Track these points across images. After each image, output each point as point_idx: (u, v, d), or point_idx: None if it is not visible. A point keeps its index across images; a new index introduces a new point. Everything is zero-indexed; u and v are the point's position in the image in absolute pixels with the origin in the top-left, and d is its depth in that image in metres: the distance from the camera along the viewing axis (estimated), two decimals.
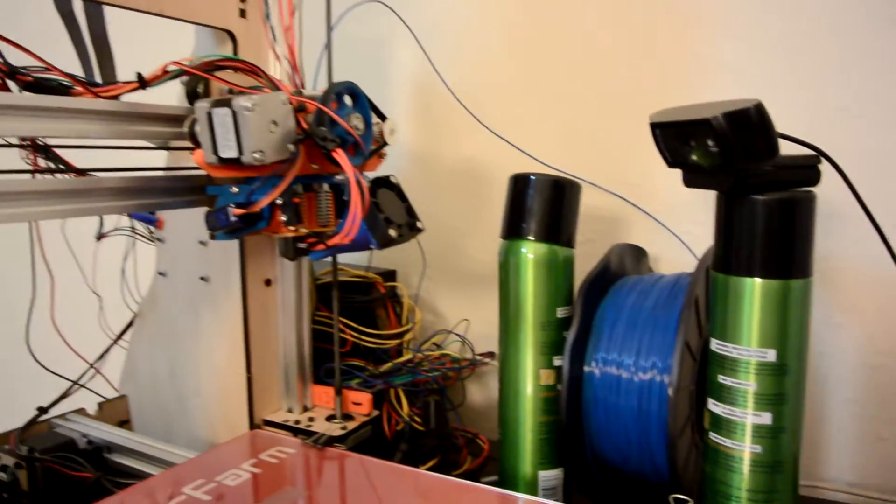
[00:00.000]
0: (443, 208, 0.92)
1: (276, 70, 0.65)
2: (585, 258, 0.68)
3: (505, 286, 0.65)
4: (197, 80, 0.56)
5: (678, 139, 0.51)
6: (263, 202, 0.51)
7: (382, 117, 0.60)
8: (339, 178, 0.57)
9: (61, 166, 0.57)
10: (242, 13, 0.67)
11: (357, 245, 0.53)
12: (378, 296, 0.83)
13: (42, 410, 0.74)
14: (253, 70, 0.52)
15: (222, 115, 0.49)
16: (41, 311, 0.76)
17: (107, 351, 0.80)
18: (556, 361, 0.64)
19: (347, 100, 0.57)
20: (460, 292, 0.91)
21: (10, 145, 0.55)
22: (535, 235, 0.64)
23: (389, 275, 0.87)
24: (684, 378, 0.59)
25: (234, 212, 0.51)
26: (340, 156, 0.50)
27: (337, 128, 0.54)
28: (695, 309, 0.60)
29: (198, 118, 0.50)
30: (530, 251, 0.64)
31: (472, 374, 0.83)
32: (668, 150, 0.53)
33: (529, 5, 0.86)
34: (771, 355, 0.51)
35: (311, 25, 0.68)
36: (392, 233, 0.53)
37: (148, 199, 0.57)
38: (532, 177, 0.64)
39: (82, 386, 0.79)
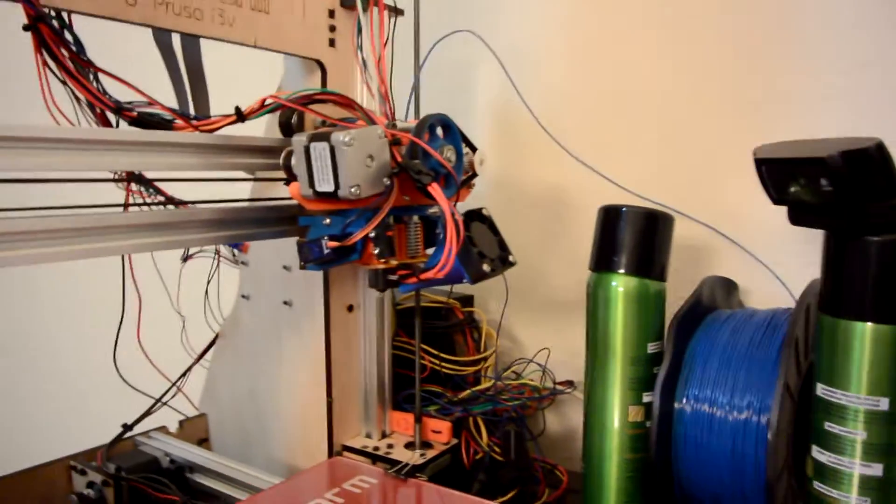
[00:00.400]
0: (523, 234, 0.91)
1: (367, 100, 0.66)
2: (670, 289, 0.66)
3: (593, 319, 0.64)
4: (291, 111, 0.56)
5: (785, 176, 0.49)
6: (358, 236, 0.51)
7: (473, 148, 0.60)
8: (431, 210, 0.57)
9: (160, 198, 0.58)
10: (332, 43, 0.67)
11: (449, 279, 0.52)
12: (456, 321, 0.82)
13: (127, 428, 0.75)
14: (349, 104, 0.52)
15: (320, 150, 0.49)
16: (128, 330, 0.78)
17: (189, 370, 0.82)
18: (646, 398, 0.63)
19: (439, 131, 0.57)
20: (539, 319, 0.90)
21: (111, 180, 0.56)
22: (626, 269, 0.62)
23: (467, 300, 0.86)
24: (784, 421, 0.56)
25: (328, 244, 0.51)
26: (436, 190, 0.50)
27: (430, 160, 0.53)
28: (794, 349, 0.58)
29: (295, 151, 0.50)
30: (621, 285, 0.62)
31: (551, 403, 0.82)
32: (774, 187, 0.51)
33: (618, 32, 0.84)
34: (883, 404, 0.49)
35: (397, 54, 0.68)
36: (485, 267, 0.52)
37: (240, 230, 0.57)
38: (624, 209, 0.63)
39: (165, 404, 0.80)
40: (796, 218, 0.51)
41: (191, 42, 0.62)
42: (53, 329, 1.82)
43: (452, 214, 0.49)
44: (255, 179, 0.63)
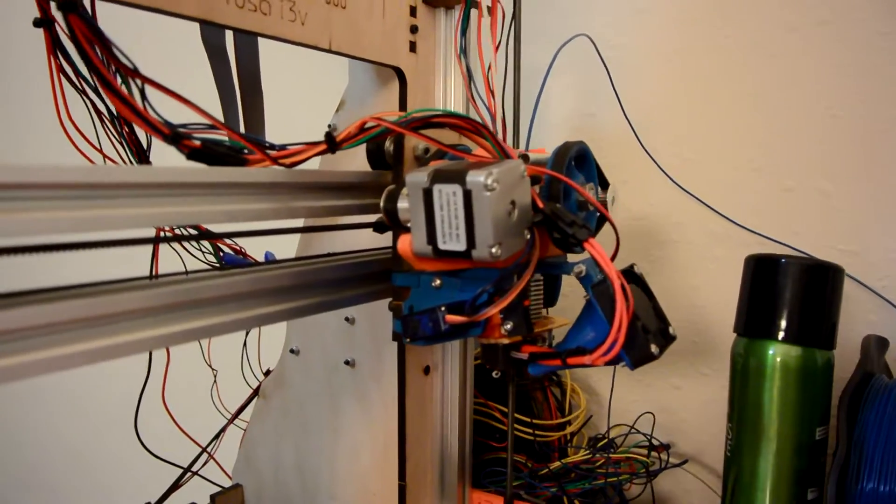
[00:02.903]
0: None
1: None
2: None
3: (741, 396, 0.52)
4: (383, 136, 0.43)
5: None
6: (494, 310, 0.38)
7: (605, 184, 0.47)
8: (578, 269, 0.44)
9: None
10: (413, 46, 0.54)
11: (606, 363, 0.39)
12: (535, 378, 0.70)
13: None
14: (476, 129, 0.39)
15: (448, 195, 0.36)
16: (152, 391, 0.64)
17: (221, 432, 0.69)
18: (811, 494, 0.50)
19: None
20: (626, 372, 0.77)
21: (149, 241, 0.42)
22: (787, 335, 0.50)
23: None
24: None
25: (449, 319, 0.38)
26: (595, 248, 0.37)
27: (572, 204, 0.41)
28: None
29: (410, 194, 0.37)
30: (780, 354, 0.50)
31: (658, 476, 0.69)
32: None
33: (743, 52, 0.72)
34: None
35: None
36: (654, 349, 0.39)
37: (318, 297, 0.44)
38: (783, 260, 0.51)
39: (195, 473, 0.67)
40: None
41: (247, 43, 0.49)
42: (54, 390, 1.64)
43: (622, 284, 0.36)
44: (340, 228, 0.50)
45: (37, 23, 0.37)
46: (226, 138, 0.37)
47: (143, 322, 0.36)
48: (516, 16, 0.54)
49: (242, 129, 0.52)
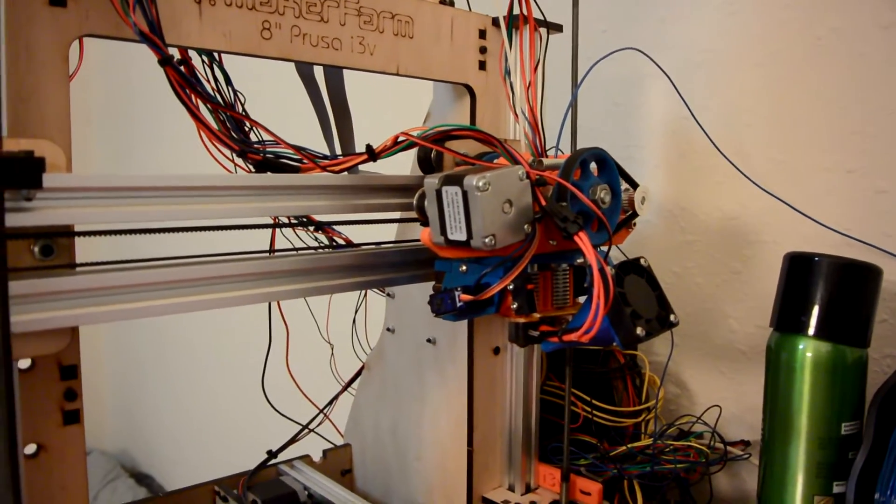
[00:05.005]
0: (696, 269, 0.81)
1: (515, 130, 0.60)
2: (875, 345, 0.54)
3: (773, 388, 0.54)
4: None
5: None
6: (493, 290, 0.45)
7: (634, 184, 0.52)
8: (581, 260, 0.50)
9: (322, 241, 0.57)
10: (482, 65, 0.62)
11: (597, 340, 0.45)
12: (616, 366, 0.75)
13: (271, 455, 0.75)
14: (488, 140, 0.47)
15: (452, 195, 0.44)
16: (275, 360, 0.77)
17: (336, 398, 0.80)
18: (837, 488, 0.52)
19: (593, 167, 0.50)
20: (712, 367, 0.80)
21: (276, 225, 0.55)
22: (817, 331, 0.52)
23: None
24: None
25: (461, 297, 0.46)
26: (583, 240, 0.43)
27: (579, 203, 0.47)
28: None
29: (427, 194, 0.46)
30: (810, 350, 0.52)
31: (721, 468, 0.72)
32: None
33: (810, 47, 0.72)
34: None
35: (554, 71, 0.61)
36: (639, 331, 0.44)
37: (377, 274, 0.54)
38: (816, 258, 0.53)
39: (312, 430, 0.80)
40: None
41: (334, 72, 0.60)
42: (200, 354, 1.94)
43: (602, 270, 0.42)
44: (391, 221, 0.60)
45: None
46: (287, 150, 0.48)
47: (263, 282, 0.49)
48: (574, 33, 0.60)
49: (336, 143, 0.62)
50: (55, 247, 0.41)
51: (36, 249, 0.40)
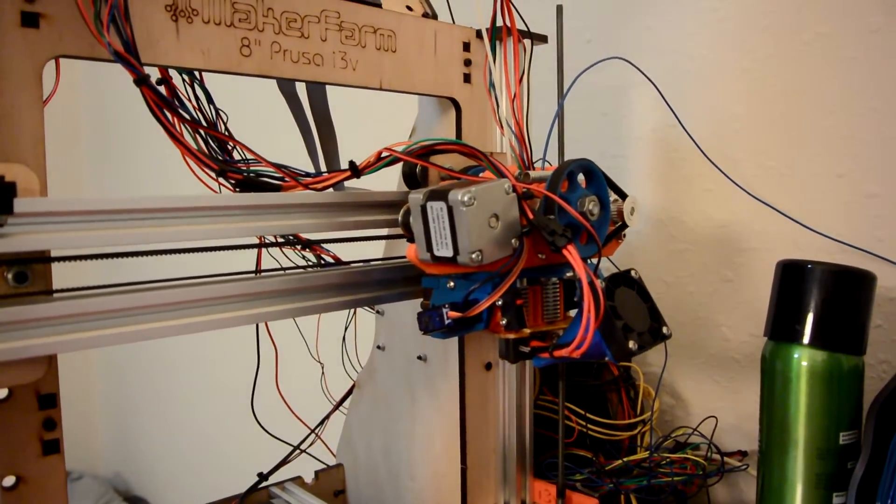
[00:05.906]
0: (687, 278, 0.81)
1: (501, 143, 0.59)
2: (870, 351, 0.54)
3: (769, 398, 0.53)
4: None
5: None
6: (482, 306, 0.44)
7: (622, 195, 0.52)
8: (570, 274, 0.49)
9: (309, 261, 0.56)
10: (467, 78, 0.62)
11: (588, 356, 0.44)
12: (610, 379, 0.74)
13: (262, 477, 0.73)
14: (473, 154, 0.46)
15: (437, 210, 0.43)
16: (264, 381, 0.76)
17: (327, 418, 0.79)
18: (837, 499, 0.51)
19: (581, 179, 0.49)
20: (706, 377, 0.79)
21: (262, 245, 0.54)
22: (812, 340, 0.51)
23: None
24: None
25: (449, 314, 0.45)
26: (571, 254, 0.42)
27: (566, 216, 0.46)
28: None
29: (411, 210, 0.45)
30: (805, 359, 0.51)
31: (718, 480, 0.71)
32: None
33: (793, 52, 0.72)
34: None
35: (540, 82, 0.61)
36: (632, 345, 0.44)
37: (366, 293, 0.53)
38: (809, 266, 0.52)
39: (303, 451, 0.78)
40: None
41: (316, 89, 0.59)
42: (191, 377, 1.93)
43: (591, 284, 0.41)
44: (377, 238, 0.59)
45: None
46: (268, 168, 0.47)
47: (249, 304, 0.48)
48: (559, 43, 0.60)
49: (321, 159, 0.61)
50: (30, 273, 0.40)
51: (10, 276, 0.39)
